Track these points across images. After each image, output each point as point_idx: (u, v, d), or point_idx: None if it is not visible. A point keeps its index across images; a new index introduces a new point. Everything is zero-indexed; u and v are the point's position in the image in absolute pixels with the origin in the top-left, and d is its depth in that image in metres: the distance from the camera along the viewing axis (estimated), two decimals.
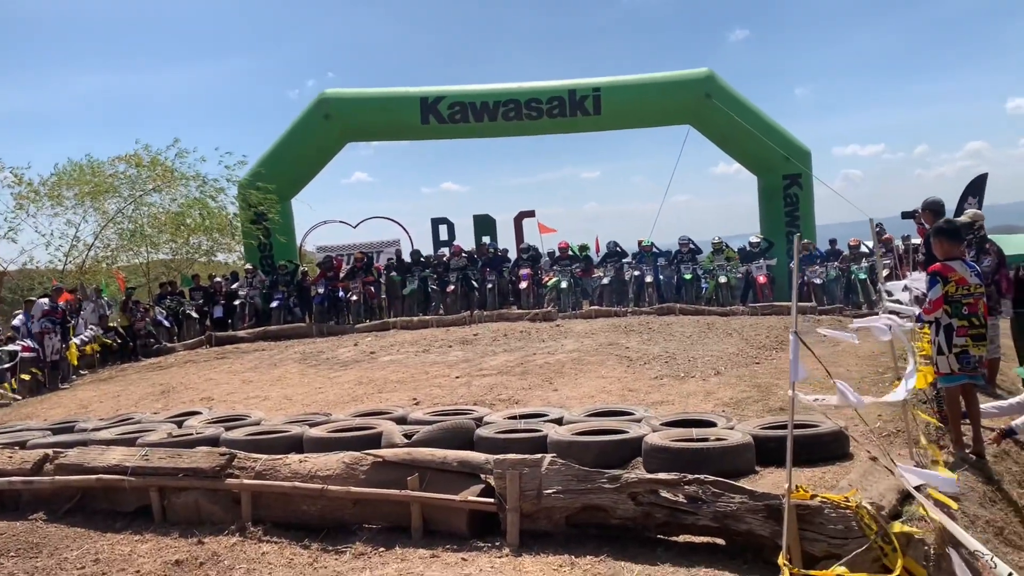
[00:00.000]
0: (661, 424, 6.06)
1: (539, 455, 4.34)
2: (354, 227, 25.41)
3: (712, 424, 5.99)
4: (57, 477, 5.44)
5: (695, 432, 5.58)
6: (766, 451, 5.39)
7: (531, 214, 21.97)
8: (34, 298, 13.83)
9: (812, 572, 3.12)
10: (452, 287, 17.23)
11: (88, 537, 4.91)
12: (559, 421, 6.50)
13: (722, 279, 16.55)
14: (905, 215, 13.30)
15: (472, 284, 17.61)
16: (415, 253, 18.99)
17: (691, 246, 17.49)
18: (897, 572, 3.11)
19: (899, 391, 3.62)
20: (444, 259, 18.27)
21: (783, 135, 19.20)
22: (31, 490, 5.49)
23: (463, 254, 18.37)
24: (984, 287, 5.48)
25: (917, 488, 3.43)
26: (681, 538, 4.10)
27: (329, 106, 18.80)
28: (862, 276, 16.22)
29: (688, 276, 17.07)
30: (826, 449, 5.43)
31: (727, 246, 17.84)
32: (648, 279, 16.62)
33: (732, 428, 5.78)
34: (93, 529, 5.05)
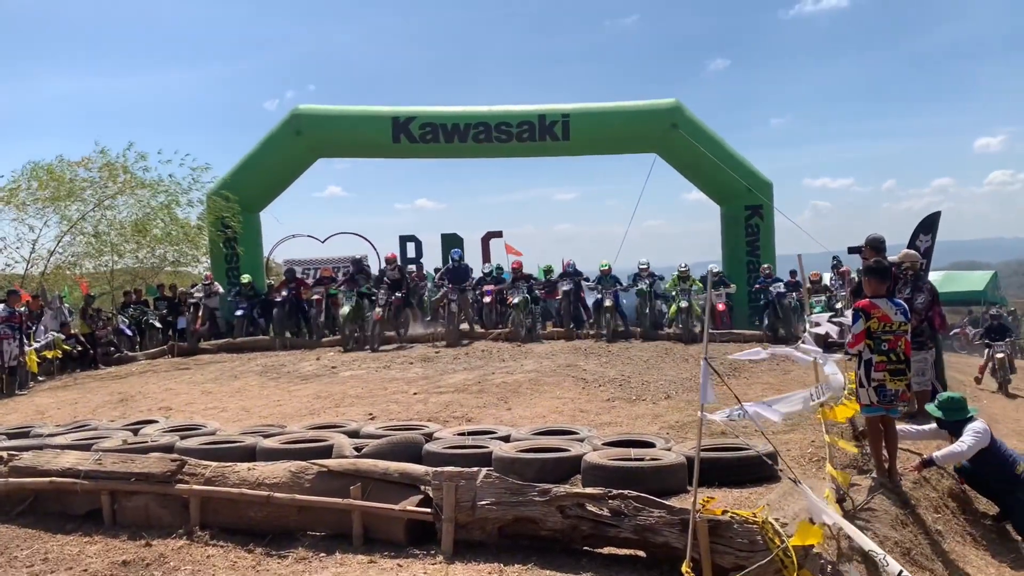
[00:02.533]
0: (602, 444, 6.33)
1: (475, 469, 4.58)
2: (322, 242, 25.49)
3: (651, 445, 6.26)
4: (10, 479, 5.56)
5: (633, 452, 5.85)
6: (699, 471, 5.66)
7: (499, 234, 22.26)
8: None
9: None
10: (380, 307, 14.93)
11: (39, 538, 5.05)
12: (506, 439, 6.73)
13: (683, 303, 16.14)
14: (852, 250, 13.75)
15: (410, 302, 16.44)
16: (357, 262, 17.31)
17: (649, 270, 17.21)
18: None
19: (795, 399, 3.91)
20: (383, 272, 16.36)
21: (746, 166, 19.71)
22: None
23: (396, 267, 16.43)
24: (909, 324, 5.79)
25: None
26: (606, 550, 4.35)
27: (301, 122, 18.99)
28: (817, 310, 16.68)
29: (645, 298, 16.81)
30: (755, 471, 5.72)
31: (691, 276, 17.37)
32: (607, 303, 16.15)
33: (669, 449, 6.05)
34: (44, 530, 5.19)
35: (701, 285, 17.02)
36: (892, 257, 8.07)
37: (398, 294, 15.46)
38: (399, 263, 16.92)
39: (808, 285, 15.72)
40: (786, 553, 3.55)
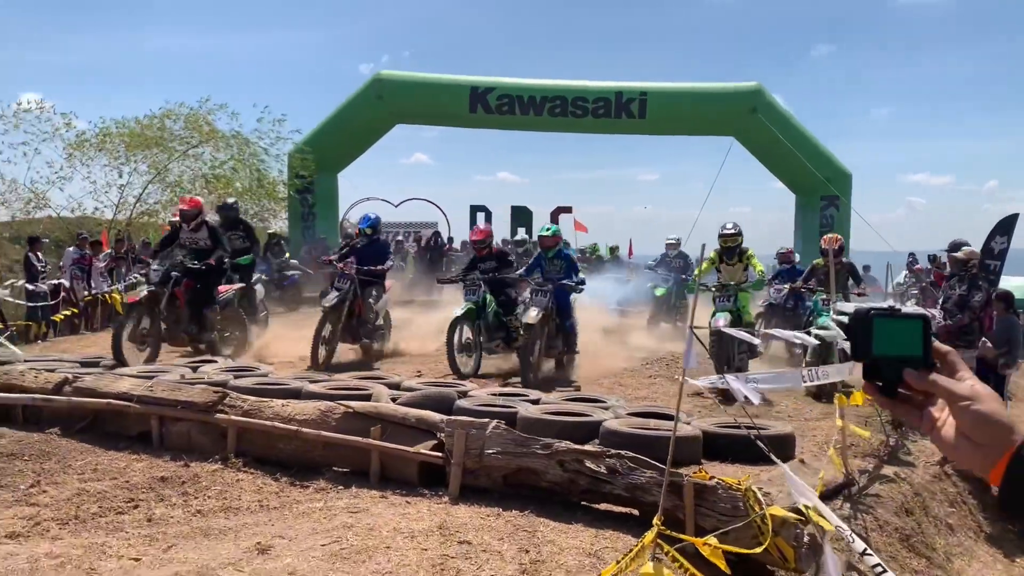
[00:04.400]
0: (626, 413, 6.50)
1: (486, 420, 4.83)
2: (395, 206, 25.98)
3: (671, 418, 6.39)
4: (73, 398, 6.08)
5: (652, 422, 6.00)
6: (715, 446, 5.81)
7: (568, 210, 22.39)
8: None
9: (683, 536, 3.56)
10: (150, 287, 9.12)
11: (92, 452, 5.54)
12: (535, 402, 6.95)
13: (722, 316, 8.25)
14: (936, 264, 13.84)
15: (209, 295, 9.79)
16: (225, 207, 11.98)
17: (680, 249, 13.48)
18: (764, 546, 3.53)
19: (784, 379, 4.02)
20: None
21: (825, 155, 19.33)
22: (50, 408, 6.14)
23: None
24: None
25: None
26: (602, 506, 4.56)
27: (382, 87, 19.46)
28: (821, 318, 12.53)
29: (660, 291, 13.23)
30: (772, 450, 5.80)
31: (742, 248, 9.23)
32: (532, 314, 8.86)
33: (689, 423, 6.18)
34: (99, 446, 5.67)
35: (762, 271, 9.29)
36: (957, 254, 8.08)
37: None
38: (214, 221, 10.23)
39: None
40: (763, 520, 3.69)
